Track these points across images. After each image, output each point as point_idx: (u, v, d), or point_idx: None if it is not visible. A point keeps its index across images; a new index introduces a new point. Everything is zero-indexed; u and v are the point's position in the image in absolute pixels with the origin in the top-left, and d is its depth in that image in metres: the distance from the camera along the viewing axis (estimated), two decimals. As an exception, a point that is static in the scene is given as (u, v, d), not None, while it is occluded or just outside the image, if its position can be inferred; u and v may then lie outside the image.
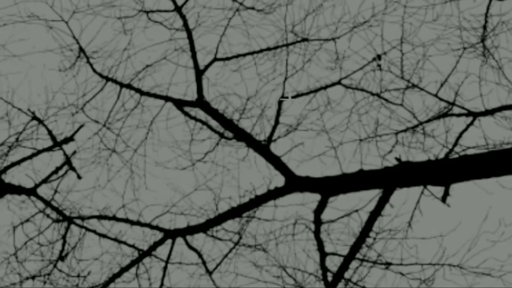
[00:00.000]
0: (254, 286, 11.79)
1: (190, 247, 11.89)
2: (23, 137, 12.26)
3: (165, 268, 11.88)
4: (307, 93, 12.01)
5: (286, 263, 11.73)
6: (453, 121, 11.71)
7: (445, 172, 11.17)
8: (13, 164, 12.15)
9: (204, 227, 11.80)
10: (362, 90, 11.95)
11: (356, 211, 11.65)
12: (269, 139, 11.85)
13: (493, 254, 11.34)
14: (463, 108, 11.68)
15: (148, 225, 11.92)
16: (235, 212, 11.73)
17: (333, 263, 11.66)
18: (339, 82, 12.00)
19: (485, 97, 11.61)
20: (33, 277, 12.06)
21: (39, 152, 12.24)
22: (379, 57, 11.89)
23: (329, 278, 11.63)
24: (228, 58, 12.14)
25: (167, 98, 12.08)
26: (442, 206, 11.53)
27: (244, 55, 12.16)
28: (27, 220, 12.12)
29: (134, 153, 12.32)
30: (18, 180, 12.17)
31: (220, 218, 11.75)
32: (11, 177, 12.16)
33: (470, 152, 11.49)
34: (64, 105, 12.30)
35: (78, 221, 12.06)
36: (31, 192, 12.09)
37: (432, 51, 11.84)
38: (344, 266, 11.55)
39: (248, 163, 12.03)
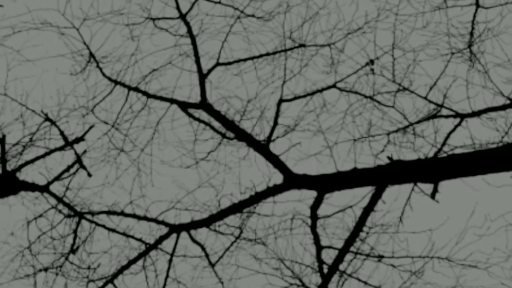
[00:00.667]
0: (254, 278, 11.81)
1: (194, 241, 11.90)
2: (37, 137, 12.22)
3: (170, 260, 11.87)
4: (304, 96, 11.99)
5: (284, 256, 11.74)
6: (441, 122, 11.76)
7: (434, 170, 11.22)
8: (27, 163, 12.13)
9: (207, 222, 11.80)
10: (356, 93, 11.94)
11: (351, 207, 11.68)
12: (268, 139, 11.86)
13: (480, 247, 11.42)
14: (451, 110, 11.70)
15: (154, 220, 11.90)
16: (236, 208, 11.74)
17: (328, 256, 11.68)
18: (334, 86, 12.00)
19: (472, 99, 11.67)
20: (46, 269, 12.01)
21: (52, 151, 12.21)
22: (372, 61, 11.90)
23: (325, 270, 11.64)
24: (229, 63, 12.14)
25: (172, 101, 12.06)
26: (431, 202, 11.60)
27: (245, 60, 12.15)
28: (40, 216, 12.09)
29: (141, 152, 12.31)
30: (32, 178, 12.16)
31: (222, 214, 11.76)
32: (25, 175, 12.16)
33: (457, 151, 11.57)
34: (75, 107, 12.29)
35: (89, 216, 12.04)
36: (44, 189, 12.08)
37: (422, 56, 11.89)
38: (339, 259, 11.58)
39: (249, 161, 12.05)
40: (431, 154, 11.68)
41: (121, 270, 11.94)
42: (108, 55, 12.32)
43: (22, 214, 12.18)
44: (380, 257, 11.61)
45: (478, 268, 11.45)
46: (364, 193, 11.65)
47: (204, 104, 11.95)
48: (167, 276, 11.92)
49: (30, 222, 12.13)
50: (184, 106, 12.04)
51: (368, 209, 11.58)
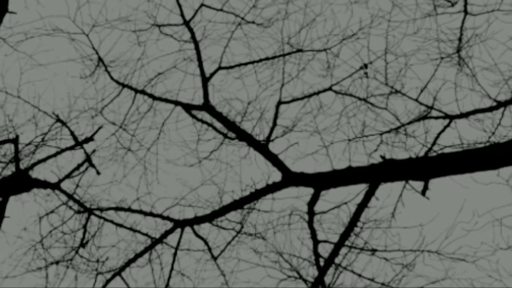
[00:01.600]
0: (254, 270, 11.82)
1: (197, 235, 11.93)
2: (48, 137, 12.23)
3: (175, 254, 11.90)
4: (302, 98, 11.99)
5: (283, 250, 11.75)
6: (431, 123, 11.78)
7: (425, 168, 11.23)
8: (39, 162, 12.13)
9: (209, 218, 11.82)
10: (351, 95, 11.95)
11: (345, 203, 11.68)
12: (268, 139, 11.88)
13: (468, 241, 11.42)
14: (440, 111, 11.71)
15: (160, 216, 11.91)
16: (237, 204, 11.76)
17: (324, 250, 11.68)
18: (330, 88, 12.03)
19: (460, 101, 11.68)
20: (57, 262, 12.03)
21: (63, 150, 12.22)
22: (365, 66, 11.92)
23: (321, 263, 11.66)
24: (231, 67, 12.15)
25: (176, 103, 12.07)
26: (422, 199, 11.63)
27: (245, 64, 12.18)
28: (52, 212, 12.11)
29: (147, 151, 12.36)
30: (44, 176, 12.17)
31: (224, 210, 11.77)
32: (37, 173, 12.17)
33: (447, 150, 11.57)
34: (84, 108, 12.33)
35: (97, 212, 12.04)
36: (55, 186, 12.08)
37: (413, 61, 11.90)
38: (334, 253, 11.58)
39: (249, 160, 12.07)
40: (421, 153, 11.72)
41: (128, 263, 11.96)
42: (116, 60, 12.37)
43: (34, 210, 12.24)
44: (374, 250, 11.63)
45: (466, 261, 11.47)
46: (358, 190, 11.68)
47: (206, 106, 11.98)
48: (172, 268, 11.94)
49: (42, 218, 12.18)
50: (188, 107, 12.05)
51: (362, 206, 11.61)
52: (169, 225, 11.99)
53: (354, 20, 12.08)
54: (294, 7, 12.21)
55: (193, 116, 12.14)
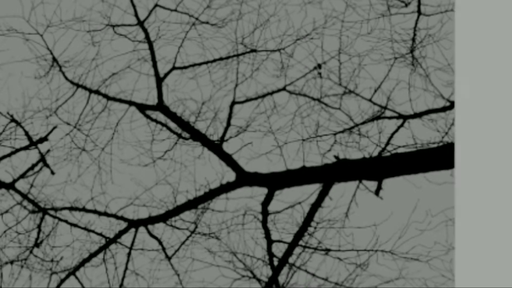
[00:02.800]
0: (208, 270, 11.80)
1: (151, 235, 11.87)
2: (3, 137, 12.18)
3: (129, 254, 11.87)
4: (255, 98, 11.97)
5: (236, 250, 11.76)
6: (385, 123, 11.74)
7: (378, 168, 11.27)
8: None
9: (163, 217, 11.79)
10: (305, 95, 11.91)
11: (299, 203, 11.65)
12: (222, 139, 11.87)
13: (421, 241, 11.41)
14: (394, 111, 11.67)
15: (114, 216, 11.85)
16: (191, 204, 11.72)
17: (278, 250, 11.67)
18: (284, 89, 12.00)
19: (414, 101, 11.65)
20: (11, 262, 11.98)
21: (17, 150, 12.17)
22: (319, 66, 11.90)
23: (275, 263, 11.66)
24: (185, 67, 12.08)
25: (131, 103, 12.02)
26: (375, 199, 11.63)
27: (200, 64, 12.10)
28: (6, 211, 12.05)
29: (101, 151, 12.28)
30: None
31: (178, 210, 11.74)
32: None
33: (400, 150, 11.53)
34: (39, 109, 12.25)
35: (52, 212, 11.96)
36: (10, 186, 12.02)
37: (367, 61, 11.87)
38: (288, 252, 11.57)
39: (203, 160, 12.02)
40: (375, 153, 11.71)
41: (82, 263, 11.92)
42: (70, 60, 12.31)
43: (-11, 210, 12.09)
44: (327, 250, 11.61)
45: (420, 261, 11.48)
46: (312, 190, 11.65)
47: (161, 106, 11.93)
48: (126, 268, 11.92)
49: (-4, 218, 12.11)
50: (142, 108, 12.01)
51: (316, 205, 11.58)
52: (123, 225, 11.95)
53: (308, 21, 12.11)
54: (248, 8, 12.24)
55: (147, 116, 12.09)
